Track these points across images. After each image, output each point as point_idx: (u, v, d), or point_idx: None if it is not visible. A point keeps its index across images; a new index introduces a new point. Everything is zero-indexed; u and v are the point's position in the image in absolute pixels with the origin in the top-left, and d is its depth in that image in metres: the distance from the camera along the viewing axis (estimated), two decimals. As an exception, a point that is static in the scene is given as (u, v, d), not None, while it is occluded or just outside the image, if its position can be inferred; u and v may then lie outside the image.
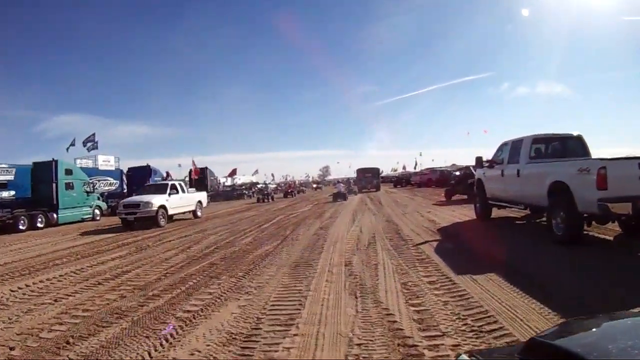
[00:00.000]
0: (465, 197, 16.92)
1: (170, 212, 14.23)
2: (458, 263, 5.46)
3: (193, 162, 35.01)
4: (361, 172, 37.74)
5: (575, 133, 8.21)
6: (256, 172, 58.95)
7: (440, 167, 42.95)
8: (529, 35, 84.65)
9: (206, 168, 39.54)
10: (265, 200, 28.06)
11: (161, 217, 13.58)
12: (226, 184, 51.20)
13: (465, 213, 11.52)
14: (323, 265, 5.92)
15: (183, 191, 15.69)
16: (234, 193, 37.68)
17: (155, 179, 31.17)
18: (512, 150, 8.49)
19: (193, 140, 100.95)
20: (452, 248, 6.79)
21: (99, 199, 22.65)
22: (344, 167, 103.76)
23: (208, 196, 38.13)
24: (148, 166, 31.28)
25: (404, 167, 73.01)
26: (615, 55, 76.35)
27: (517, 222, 9.52)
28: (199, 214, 16.55)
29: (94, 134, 33.07)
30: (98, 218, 20.15)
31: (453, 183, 19.51)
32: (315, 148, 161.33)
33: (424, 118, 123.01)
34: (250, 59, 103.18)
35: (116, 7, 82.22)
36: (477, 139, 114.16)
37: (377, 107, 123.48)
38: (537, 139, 8.08)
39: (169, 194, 14.46)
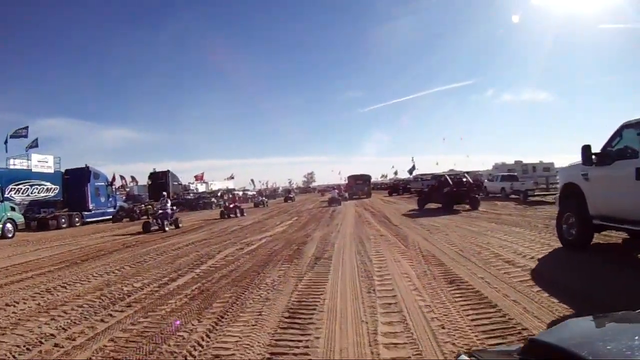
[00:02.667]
0: (439, 205, 16.25)
1: None
2: None
3: None
4: (352, 179, 37.21)
5: None
6: (231, 177, 52.17)
7: (443, 173, 37.79)
8: (515, 43, 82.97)
9: (168, 172, 32.88)
10: (159, 228, 14.01)
11: None
12: (198, 190, 44.86)
13: (529, 234, 8.10)
14: None
15: None
16: (200, 202, 30.98)
17: (97, 184, 24.46)
18: None
19: (178, 145, 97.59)
20: None
21: (13, 209, 17.04)
22: (330, 174, 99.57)
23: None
24: (86, 167, 24.49)
25: (395, 173, 67.75)
26: (599, 62, 76.02)
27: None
28: None
29: (26, 127, 25.86)
30: (10, 235, 15.32)
31: (427, 191, 18.88)
32: (301, 154, 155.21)
33: (411, 125, 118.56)
34: (238, 64, 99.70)
35: (102, 12, 78.03)
36: (469, 145, 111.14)
37: (364, 113, 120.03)
38: None
39: None
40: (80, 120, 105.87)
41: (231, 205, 20.55)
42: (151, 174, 34.01)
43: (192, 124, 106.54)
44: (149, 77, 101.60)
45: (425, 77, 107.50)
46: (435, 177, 21.49)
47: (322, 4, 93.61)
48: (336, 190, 29.25)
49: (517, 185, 21.59)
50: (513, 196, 20.98)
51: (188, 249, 8.90)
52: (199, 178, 37.94)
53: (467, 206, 15.74)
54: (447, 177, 17.64)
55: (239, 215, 19.83)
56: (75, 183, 23.50)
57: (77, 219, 21.47)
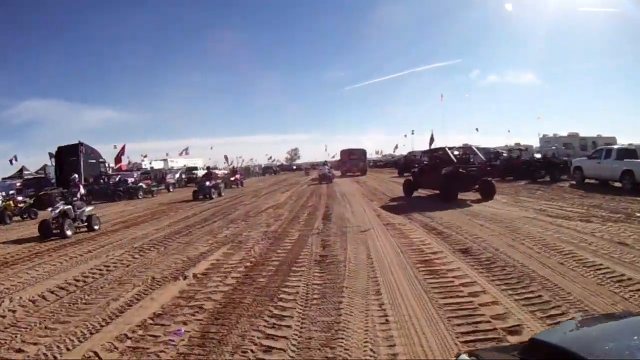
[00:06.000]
0: (437, 192, 12.17)
1: None
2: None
3: None
4: (346, 153, 33.76)
5: None
6: (186, 151, 41.43)
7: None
8: (505, 26, 76.26)
9: (80, 144, 22.52)
10: None
11: None
12: (155, 168, 35.01)
13: None
14: None
15: None
16: (121, 187, 20.79)
17: None
18: None
19: (160, 124, 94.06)
20: None
21: None
22: (316, 151, 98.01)
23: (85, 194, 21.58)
24: None
25: (395, 147, 57.67)
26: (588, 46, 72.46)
27: None
28: None
29: None
30: None
31: (415, 172, 14.08)
32: (287, 132, 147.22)
33: (400, 102, 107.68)
34: (215, 42, 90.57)
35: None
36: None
37: (350, 91, 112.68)
38: None
39: None
40: (63, 101, 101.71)
41: None
42: (58, 149, 23.66)
43: (174, 102, 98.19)
44: (130, 56, 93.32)
45: (410, 58, 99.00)
46: (428, 151, 15.24)
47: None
48: (326, 167, 27.70)
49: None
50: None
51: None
52: (121, 152, 27.14)
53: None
54: (448, 151, 12.84)
55: None
56: None
57: None
